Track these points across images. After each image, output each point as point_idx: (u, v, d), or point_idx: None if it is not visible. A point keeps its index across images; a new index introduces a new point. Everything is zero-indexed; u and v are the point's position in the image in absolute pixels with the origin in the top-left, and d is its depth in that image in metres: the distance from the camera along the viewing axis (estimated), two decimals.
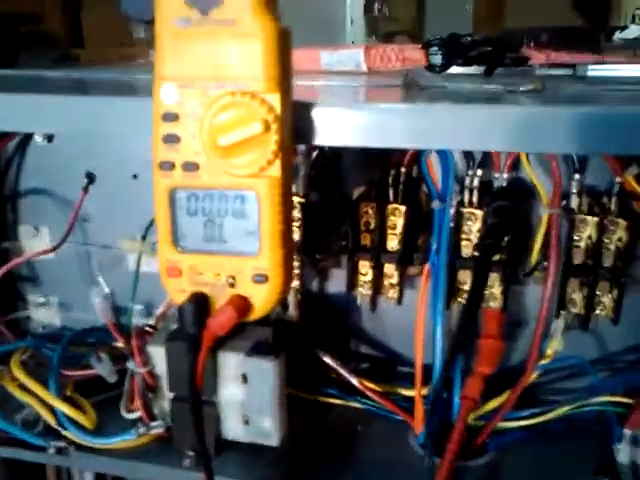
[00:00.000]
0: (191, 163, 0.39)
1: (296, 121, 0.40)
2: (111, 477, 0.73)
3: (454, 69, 0.69)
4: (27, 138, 0.71)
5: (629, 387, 0.56)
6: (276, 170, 0.38)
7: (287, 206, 0.40)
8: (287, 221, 0.40)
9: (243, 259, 0.40)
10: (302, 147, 0.59)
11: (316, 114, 0.40)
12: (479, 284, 0.47)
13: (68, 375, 0.61)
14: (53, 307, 0.76)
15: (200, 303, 0.40)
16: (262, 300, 0.40)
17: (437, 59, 0.76)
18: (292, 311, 0.62)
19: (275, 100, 0.37)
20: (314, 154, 0.61)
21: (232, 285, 0.40)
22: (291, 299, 0.61)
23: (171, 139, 0.39)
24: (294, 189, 0.58)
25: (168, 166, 0.39)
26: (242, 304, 0.40)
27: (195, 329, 0.40)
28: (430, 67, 0.75)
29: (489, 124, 0.39)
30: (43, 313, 0.77)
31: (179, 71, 0.38)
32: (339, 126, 0.41)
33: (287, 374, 0.56)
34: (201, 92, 0.38)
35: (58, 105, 0.45)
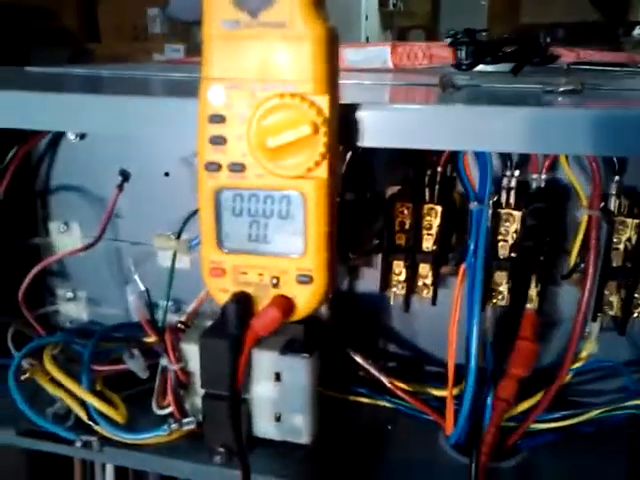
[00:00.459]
0: (238, 164, 0.39)
1: (342, 122, 0.40)
2: (132, 472, 0.74)
3: (480, 67, 0.68)
4: (59, 135, 0.71)
5: None
6: (323, 171, 0.38)
7: (333, 207, 0.40)
8: (332, 222, 0.40)
9: (287, 260, 0.40)
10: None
11: (361, 115, 0.40)
12: (519, 286, 0.46)
13: (98, 370, 0.61)
14: (81, 302, 0.76)
15: (243, 303, 0.40)
16: (306, 301, 0.40)
17: (465, 57, 0.76)
18: (323, 309, 0.62)
19: (324, 102, 0.37)
20: (349, 153, 0.61)
21: (276, 285, 0.40)
22: None
23: (218, 140, 0.39)
24: None
25: (214, 167, 0.39)
26: (286, 304, 0.40)
27: (238, 329, 0.40)
28: (457, 65, 0.74)
29: (534, 127, 0.39)
30: (71, 308, 0.77)
31: (227, 73, 0.38)
32: (382, 128, 0.41)
33: (321, 372, 0.56)
34: (249, 94, 0.38)
35: (90, 104, 0.46)
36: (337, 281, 0.43)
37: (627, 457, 0.55)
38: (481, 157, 0.54)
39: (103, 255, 0.73)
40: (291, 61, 0.37)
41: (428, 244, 0.57)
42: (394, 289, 0.59)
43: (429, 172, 0.57)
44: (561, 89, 0.53)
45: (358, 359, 0.62)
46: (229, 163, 0.39)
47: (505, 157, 0.56)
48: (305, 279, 0.40)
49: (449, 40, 0.75)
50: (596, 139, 0.38)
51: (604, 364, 0.60)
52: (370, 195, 0.61)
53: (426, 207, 0.57)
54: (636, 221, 0.52)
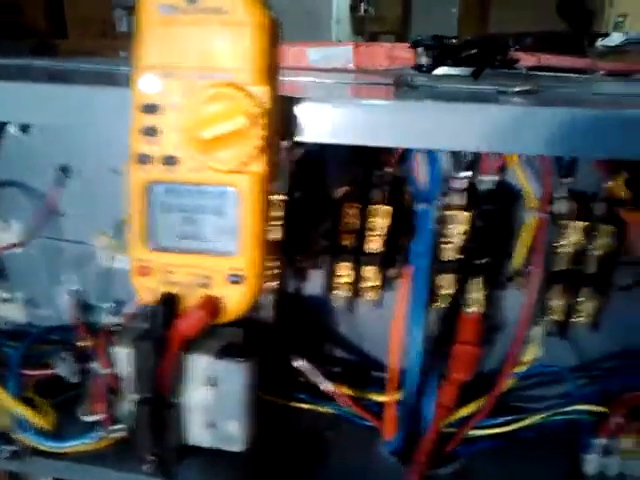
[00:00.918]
0: (171, 157, 0.36)
1: (282, 116, 0.38)
2: None
3: (442, 70, 0.67)
4: (0, 129, 0.67)
5: (608, 395, 0.55)
6: (260, 166, 0.36)
7: (268, 205, 0.38)
8: (267, 220, 0.38)
9: (220, 258, 0.38)
10: (285, 144, 0.57)
11: (302, 109, 0.39)
12: (461, 288, 0.45)
13: (28, 375, 0.58)
14: (18, 303, 0.72)
15: (169, 304, 0.37)
16: (235, 302, 0.38)
17: (425, 59, 0.75)
18: (266, 312, 0.60)
19: (263, 93, 0.35)
20: (299, 152, 0.59)
21: (205, 285, 0.38)
22: (264, 299, 0.59)
23: (150, 131, 0.36)
24: (276, 187, 0.56)
25: (146, 159, 0.37)
26: (213, 305, 0.37)
27: (162, 331, 0.37)
28: (418, 67, 0.73)
29: (476, 124, 0.38)
30: (8, 309, 0.73)
31: (162, 60, 0.35)
32: (325, 122, 0.39)
33: (259, 378, 0.54)
34: (185, 83, 0.35)
35: (34, 94, 0.43)
36: (266, 282, 0.41)
37: (566, 462, 0.55)
38: (430, 157, 0.53)
39: (42, 255, 0.69)
40: (230, 49, 0.35)
41: (375, 246, 0.55)
42: (339, 291, 0.57)
43: (378, 172, 0.55)
44: (516, 89, 0.52)
45: (300, 363, 0.60)
46: (162, 156, 0.36)
47: (456, 158, 0.55)
48: (236, 279, 0.38)
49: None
50: (545, 138, 0.38)
51: (549, 369, 0.59)
52: (322, 195, 0.59)
53: (374, 208, 0.55)
54: (582, 224, 0.52)
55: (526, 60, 0.84)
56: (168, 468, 0.41)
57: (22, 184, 0.65)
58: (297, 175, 0.56)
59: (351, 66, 0.84)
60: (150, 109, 0.36)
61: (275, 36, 0.36)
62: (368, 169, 0.55)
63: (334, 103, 0.39)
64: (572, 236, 0.52)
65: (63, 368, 0.54)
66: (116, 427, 0.53)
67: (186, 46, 0.35)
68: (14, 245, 0.62)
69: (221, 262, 0.38)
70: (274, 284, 0.57)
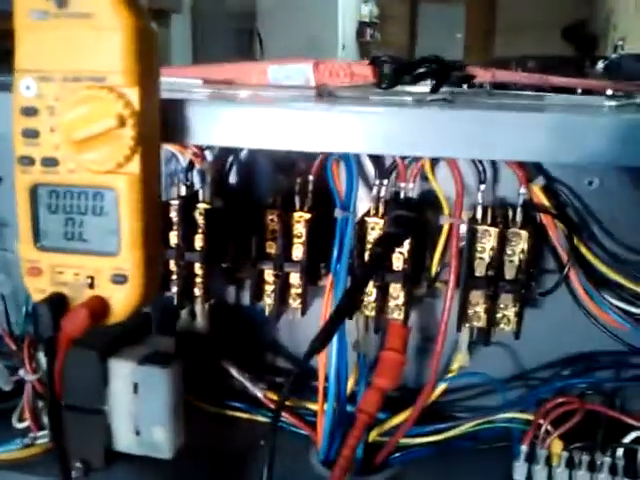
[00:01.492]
0: (50, 158, 0.38)
1: (164, 119, 0.39)
2: None
3: (400, 87, 0.68)
4: None
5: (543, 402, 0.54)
6: (135, 167, 0.37)
7: (150, 205, 0.39)
8: (150, 220, 0.39)
9: (103, 259, 0.38)
10: (209, 155, 0.58)
11: (186, 112, 0.40)
12: (355, 291, 0.45)
13: None
14: None
15: (56, 304, 0.38)
16: (121, 302, 0.39)
17: (385, 76, 0.76)
18: (200, 321, 0.60)
19: (133, 94, 0.36)
20: (229, 161, 0.60)
21: (91, 286, 0.39)
22: (198, 309, 0.60)
23: (30, 133, 0.38)
24: (201, 196, 0.57)
25: (27, 161, 0.38)
26: (98, 305, 0.38)
27: (51, 331, 0.38)
28: (378, 84, 0.74)
29: (371, 126, 0.39)
30: None
31: (37, 64, 0.37)
32: (209, 125, 0.40)
33: (184, 385, 0.55)
34: (59, 85, 0.37)
35: None
36: (157, 283, 0.41)
37: (496, 471, 0.54)
38: (347, 164, 0.53)
39: None
40: (101, 53, 0.36)
41: (298, 253, 0.56)
42: (267, 299, 0.58)
43: (299, 180, 0.56)
44: (429, 98, 0.53)
45: (233, 372, 0.60)
46: (42, 157, 0.38)
47: (379, 166, 0.56)
48: (120, 279, 0.38)
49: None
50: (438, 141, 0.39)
51: (480, 379, 0.59)
52: (246, 204, 0.60)
53: (296, 215, 0.56)
54: (497, 230, 0.51)
55: (482, 76, 0.85)
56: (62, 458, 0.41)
57: None
58: (221, 184, 0.58)
59: (312, 84, 0.85)
60: (28, 111, 0.37)
61: (148, 40, 0.37)
62: (291, 177, 0.56)
63: (214, 104, 0.40)
64: (489, 242, 0.52)
65: None
66: (41, 433, 0.54)
67: (59, 50, 0.36)
68: None
69: (104, 262, 0.39)
70: (199, 292, 0.58)
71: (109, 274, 0.38)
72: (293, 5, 3.73)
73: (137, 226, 0.38)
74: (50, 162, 0.38)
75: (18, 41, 0.37)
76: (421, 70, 0.76)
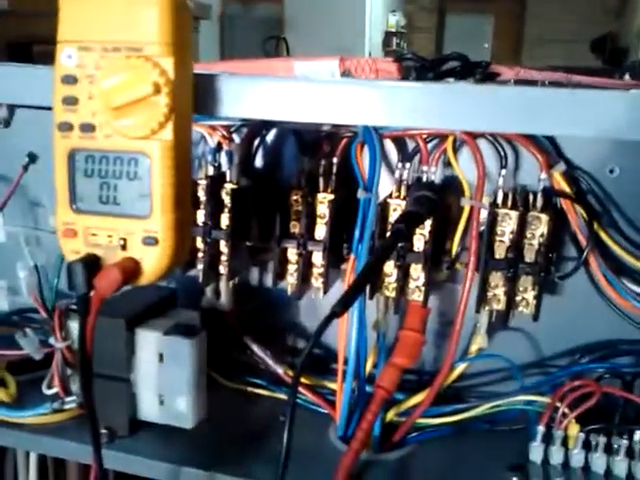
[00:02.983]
0: (88, 124, 0.40)
1: (197, 91, 0.41)
2: (52, 459, 0.73)
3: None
4: None
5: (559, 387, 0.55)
6: (168, 134, 0.39)
7: (181, 171, 0.40)
8: (181, 186, 0.40)
9: (135, 221, 0.40)
10: (237, 137, 0.60)
11: (220, 85, 0.42)
12: (374, 266, 0.46)
13: (2, 354, 0.61)
14: (2, 291, 0.76)
15: (90, 264, 0.40)
16: (152, 264, 0.40)
17: (409, 72, 0.78)
18: (224, 299, 0.62)
19: (168, 64, 0.38)
20: (255, 143, 0.62)
21: (123, 247, 0.41)
22: (223, 287, 0.62)
23: (70, 100, 0.40)
24: (228, 176, 0.59)
25: (66, 127, 0.40)
26: (130, 266, 0.40)
27: (84, 289, 0.40)
28: (402, 80, 0.76)
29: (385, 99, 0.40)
30: None
31: (79, 35, 0.39)
32: (241, 98, 0.42)
33: (208, 357, 0.56)
34: (99, 55, 0.39)
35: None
36: (187, 247, 0.43)
37: (513, 452, 0.55)
38: (370, 145, 0.55)
39: (24, 244, 0.73)
40: (139, 24, 0.38)
41: (320, 233, 0.57)
42: (290, 278, 0.59)
43: (323, 162, 0.57)
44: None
45: (255, 348, 0.62)
46: (80, 123, 0.40)
47: (402, 149, 0.57)
48: (151, 241, 0.40)
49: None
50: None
51: (500, 363, 0.59)
52: (272, 185, 0.62)
53: (320, 196, 0.57)
54: (518, 213, 0.52)
55: (506, 74, 0.86)
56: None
57: (3, 177, 0.70)
58: (248, 165, 0.59)
59: (338, 79, 0.86)
60: (69, 80, 0.39)
61: (183, 14, 0.39)
62: (315, 158, 0.58)
63: (247, 80, 0.42)
64: (509, 225, 0.53)
65: (26, 343, 0.57)
66: (69, 399, 0.56)
67: (99, 22, 0.38)
68: None
69: (137, 225, 0.40)
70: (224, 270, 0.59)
71: (141, 236, 0.40)
72: (320, 14, 3.78)
73: (169, 191, 0.40)
74: (87, 128, 0.40)
75: (61, 13, 0.39)
76: (445, 67, 0.78)
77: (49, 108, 0.42)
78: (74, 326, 0.56)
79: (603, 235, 0.55)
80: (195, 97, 0.41)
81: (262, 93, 0.42)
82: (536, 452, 0.53)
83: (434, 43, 5.10)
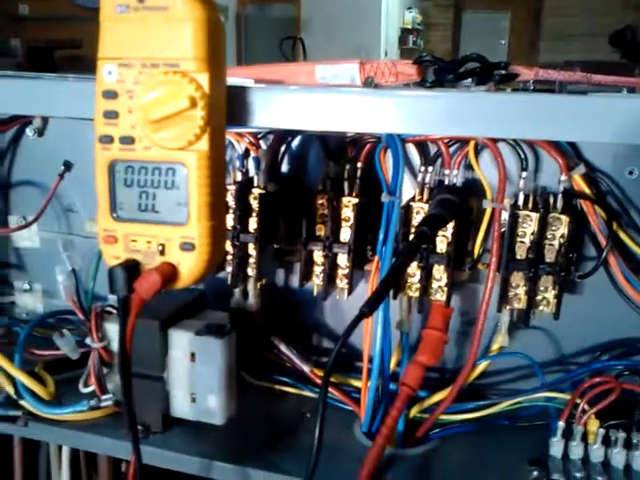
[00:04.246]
0: (128, 137, 0.42)
1: (231, 103, 0.43)
2: (84, 455, 0.76)
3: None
4: (20, 133, 0.75)
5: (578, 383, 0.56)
6: (204, 145, 0.41)
7: (217, 180, 0.42)
8: (216, 194, 0.43)
9: (173, 228, 0.42)
10: (264, 144, 0.62)
11: (249, 97, 0.44)
12: (399, 268, 0.48)
13: (39, 354, 0.64)
14: (37, 294, 0.79)
15: (130, 268, 0.42)
16: (189, 268, 0.43)
17: (429, 75, 0.79)
18: (251, 300, 0.64)
19: (203, 79, 0.40)
20: (282, 149, 0.64)
21: (162, 253, 0.43)
22: (251, 288, 0.64)
23: (110, 114, 0.42)
24: (256, 181, 0.61)
25: (107, 139, 0.42)
26: (168, 270, 0.42)
27: (125, 291, 0.42)
28: (422, 82, 0.78)
29: (415, 108, 0.42)
30: (27, 299, 0.80)
31: (119, 52, 0.41)
32: (271, 110, 0.44)
33: (238, 356, 0.58)
34: (138, 71, 0.41)
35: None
36: (222, 252, 0.45)
37: (534, 447, 0.56)
38: (393, 149, 0.56)
39: (59, 248, 0.76)
40: (175, 41, 0.40)
41: (346, 235, 0.59)
42: (315, 279, 0.61)
43: (348, 167, 0.59)
44: (473, 89, 0.56)
45: (282, 347, 0.64)
46: (120, 136, 0.42)
47: (425, 153, 0.59)
48: (188, 247, 0.42)
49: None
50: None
51: (522, 361, 0.61)
52: (298, 189, 0.64)
53: (345, 200, 0.59)
54: (539, 214, 0.54)
55: (525, 74, 0.87)
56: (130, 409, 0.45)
57: (38, 184, 0.73)
58: (274, 171, 0.61)
59: (358, 82, 0.88)
60: (109, 94, 0.41)
61: (217, 31, 0.41)
62: (340, 163, 0.60)
63: (277, 91, 0.44)
64: (530, 226, 0.55)
65: (62, 343, 0.59)
66: (105, 397, 0.58)
67: (138, 39, 0.40)
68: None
69: (174, 231, 0.43)
70: (253, 273, 0.61)
71: (178, 242, 0.42)
72: (336, 13, 3.79)
73: (205, 199, 0.42)
74: (127, 140, 0.42)
75: (102, 32, 0.41)
76: (465, 69, 0.79)
77: (80, 118, 0.44)
78: (109, 327, 0.58)
79: (622, 235, 0.56)
80: (228, 108, 0.43)
81: (290, 104, 0.44)
82: (556, 447, 0.55)
83: (450, 40, 5.09)
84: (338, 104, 0.44)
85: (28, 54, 2.30)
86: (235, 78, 0.61)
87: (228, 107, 0.43)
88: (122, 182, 0.43)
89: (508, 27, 4.69)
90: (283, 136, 0.62)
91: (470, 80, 0.73)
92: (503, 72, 0.77)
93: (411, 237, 0.56)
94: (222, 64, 0.42)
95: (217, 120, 0.42)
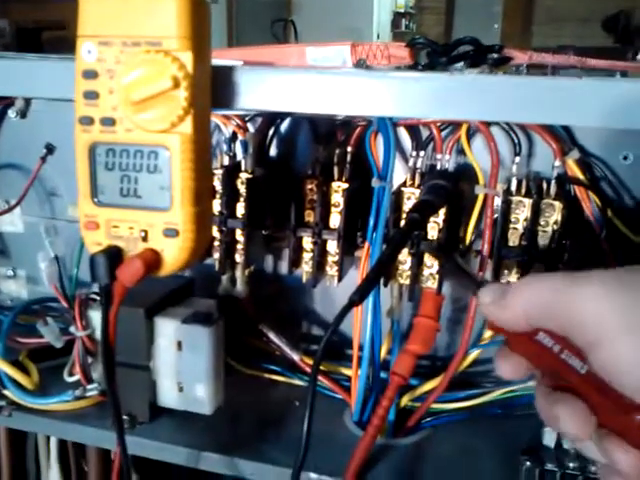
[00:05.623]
0: (108, 118, 0.40)
1: (217, 84, 0.42)
2: (72, 445, 0.75)
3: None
4: (2, 115, 0.73)
5: None
6: (187, 127, 0.39)
7: (201, 163, 0.41)
8: (201, 178, 0.41)
9: (155, 213, 0.41)
10: (251, 127, 0.61)
11: (235, 77, 0.42)
12: (390, 255, 0.47)
13: (23, 342, 0.63)
14: (21, 280, 0.78)
15: (112, 255, 0.41)
16: (173, 255, 0.41)
17: (421, 57, 0.78)
18: (239, 287, 0.63)
19: (187, 58, 0.38)
20: (270, 132, 0.62)
21: (145, 239, 0.41)
22: (239, 275, 0.62)
23: (90, 95, 0.40)
24: (243, 166, 0.59)
25: (87, 121, 0.41)
26: (151, 257, 0.41)
27: (107, 279, 0.41)
28: (414, 65, 0.76)
29: (406, 91, 0.41)
30: (11, 285, 0.78)
31: (98, 30, 0.39)
32: (258, 91, 0.42)
33: (225, 345, 0.57)
34: (118, 50, 0.39)
35: None
36: (207, 238, 0.44)
37: (527, 437, 0.56)
38: (384, 134, 0.55)
39: (42, 234, 0.74)
40: (158, 19, 0.38)
41: (335, 221, 0.58)
42: (304, 266, 0.60)
43: (338, 151, 0.58)
44: (467, 72, 0.55)
45: (271, 335, 0.63)
46: (101, 117, 0.40)
47: (416, 137, 0.58)
48: (171, 233, 0.41)
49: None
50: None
51: None
52: (288, 174, 0.62)
53: (334, 185, 0.58)
54: (531, 200, 0.53)
55: (519, 58, 0.86)
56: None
57: (21, 167, 0.71)
58: (263, 155, 0.60)
59: (349, 65, 0.87)
60: (89, 74, 0.40)
61: (201, 8, 0.39)
62: (330, 147, 0.58)
63: (263, 72, 0.42)
64: (523, 212, 0.53)
65: (47, 332, 0.58)
66: (91, 387, 0.57)
67: (118, 17, 0.39)
68: None
69: (157, 217, 0.41)
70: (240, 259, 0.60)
71: (162, 228, 0.41)
72: None
73: (189, 183, 0.40)
74: (108, 122, 0.40)
75: (81, 8, 0.39)
76: (458, 52, 0.77)
77: (64, 100, 0.42)
78: (93, 315, 0.57)
79: (617, 222, 0.55)
80: (213, 89, 0.41)
81: (279, 85, 0.42)
82: (549, 437, 0.54)
83: (443, 24, 5.05)
84: (328, 86, 0.42)
85: (18, 36, 2.26)
86: (224, 60, 0.59)
87: (213, 88, 0.42)
88: (103, 165, 0.41)
89: (501, 11, 4.66)
90: (271, 119, 0.61)
91: (462, 63, 0.71)
92: (496, 55, 0.75)
93: (402, 223, 0.55)
94: (207, 43, 0.40)
95: (201, 101, 0.40)
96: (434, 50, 0.77)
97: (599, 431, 0.30)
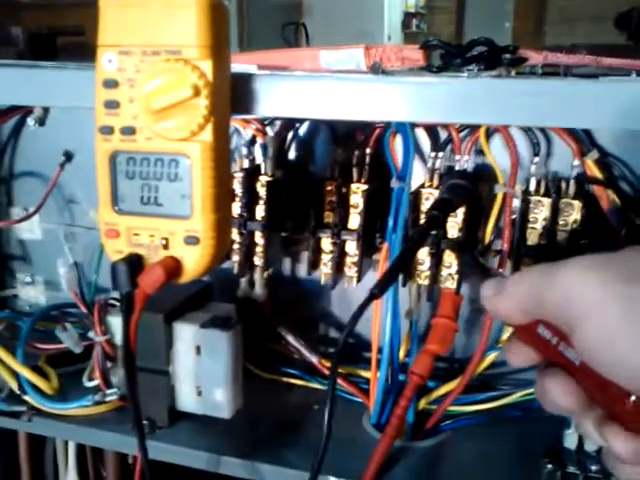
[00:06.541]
0: (129, 127, 0.40)
1: (235, 91, 0.42)
2: (90, 449, 0.75)
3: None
4: (21, 123, 0.73)
5: None
6: (208, 135, 0.39)
7: (221, 171, 0.41)
8: (221, 185, 0.41)
9: (176, 221, 0.41)
10: (270, 130, 0.61)
11: (254, 85, 0.42)
12: (411, 250, 0.47)
13: (42, 348, 0.63)
14: (40, 286, 0.79)
15: (133, 263, 0.41)
16: (193, 262, 0.41)
17: (436, 59, 0.77)
18: (258, 290, 0.63)
19: (206, 67, 0.38)
20: (289, 135, 0.62)
21: (165, 247, 0.41)
22: (257, 277, 0.62)
23: (111, 104, 0.40)
24: (263, 169, 0.59)
25: (108, 130, 0.41)
26: (172, 265, 0.41)
27: (128, 287, 0.41)
28: (428, 67, 0.76)
29: (423, 96, 0.41)
30: (30, 292, 0.79)
31: (119, 40, 0.40)
32: (276, 98, 0.42)
33: (244, 349, 0.57)
34: (139, 59, 0.39)
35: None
36: (227, 245, 0.44)
37: (547, 439, 0.55)
38: (403, 135, 0.55)
39: (61, 240, 0.75)
40: (177, 28, 0.38)
41: (354, 223, 0.58)
42: (323, 267, 0.60)
43: (357, 153, 0.58)
44: (483, 75, 0.55)
45: (289, 338, 0.63)
46: (121, 126, 0.40)
47: (435, 139, 0.58)
48: (192, 240, 0.41)
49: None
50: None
51: None
52: (307, 176, 0.63)
53: (353, 187, 0.58)
54: (550, 200, 0.52)
55: (534, 58, 0.85)
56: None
57: (40, 174, 0.72)
58: (282, 157, 0.60)
59: (363, 68, 0.86)
60: (110, 84, 0.40)
61: (220, 16, 0.39)
62: (348, 149, 0.58)
63: (281, 78, 0.42)
64: (542, 212, 0.53)
65: (66, 338, 0.58)
66: (110, 391, 0.57)
67: (139, 26, 0.39)
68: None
69: (178, 225, 0.41)
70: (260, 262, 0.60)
71: (182, 236, 0.41)
72: None
73: (209, 191, 0.40)
74: (129, 131, 0.40)
75: (102, 18, 0.40)
76: (471, 53, 0.77)
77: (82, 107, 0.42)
78: (112, 320, 0.57)
79: (636, 220, 0.55)
80: (232, 96, 0.42)
81: (297, 92, 0.42)
82: (571, 439, 0.54)
83: (454, 23, 5.02)
84: (345, 92, 0.42)
85: (30, 42, 2.27)
86: (238, 64, 0.59)
87: (232, 95, 0.42)
88: (124, 174, 0.42)
89: (512, 10, 4.63)
90: (290, 122, 0.61)
91: (474, 64, 0.71)
92: (511, 56, 0.75)
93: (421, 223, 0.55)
94: (226, 51, 0.40)
95: (221, 109, 0.40)
96: (448, 52, 0.77)
97: (599, 419, 0.31)
